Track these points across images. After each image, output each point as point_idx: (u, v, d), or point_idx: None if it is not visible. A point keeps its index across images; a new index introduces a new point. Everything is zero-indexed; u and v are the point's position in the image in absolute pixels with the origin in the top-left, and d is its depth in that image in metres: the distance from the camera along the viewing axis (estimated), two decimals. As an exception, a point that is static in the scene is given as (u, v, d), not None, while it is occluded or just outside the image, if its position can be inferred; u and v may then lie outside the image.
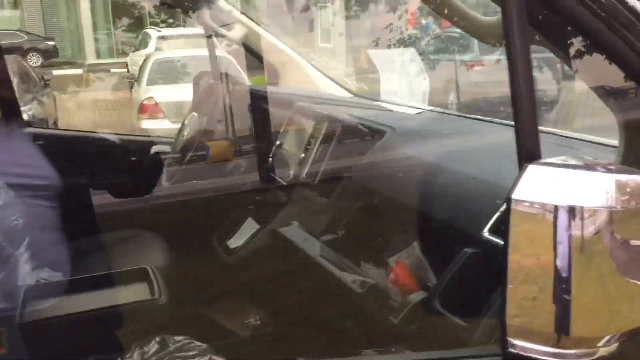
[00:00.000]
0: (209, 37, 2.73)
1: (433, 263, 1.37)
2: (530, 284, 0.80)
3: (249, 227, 1.89)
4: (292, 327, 1.40)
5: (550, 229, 0.79)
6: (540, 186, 0.80)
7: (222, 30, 2.73)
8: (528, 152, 0.90)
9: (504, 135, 1.92)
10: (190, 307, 1.70)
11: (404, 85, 2.69)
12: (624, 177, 0.82)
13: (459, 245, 1.26)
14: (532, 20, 0.99)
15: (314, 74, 2.94)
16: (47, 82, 9.73)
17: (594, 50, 1.00)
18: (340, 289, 1.38)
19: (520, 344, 0.81)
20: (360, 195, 1.62)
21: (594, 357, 0.80)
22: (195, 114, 2.37)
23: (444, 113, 2.52)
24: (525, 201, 0.80)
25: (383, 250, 1.47)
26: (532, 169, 0.82)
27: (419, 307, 1.21)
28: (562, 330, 0.81)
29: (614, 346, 0.81)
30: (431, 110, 2.50)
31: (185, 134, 2.29)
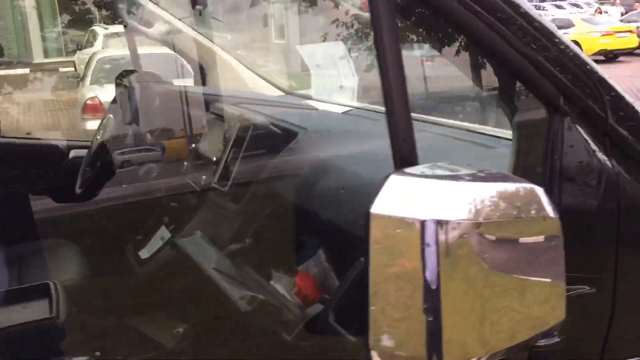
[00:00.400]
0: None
1: (339, 272, 1.31)
2: (396, 305, 0.74)
3: (160, 236, 1.80)
4: (176, 347, 1.32)
5: (414, 245, 0.73)
6: (402, 198, 0.74)
7: (144, 29, 2.63)
8: (402, 158, 0.84)
9: (426, 135, 1.88)
10: (94, 323, 1.60)
11: (333, 82, 2.62)
12: (488, 186, 0.77)
13: (360, 254, 1.20)
14: (410, 18, 0.93)
15: (245, 72, 2.86)
16: (-16, 84, 9.40)
17: (476, 48, 0.95)
18: (227, 307, 1.30)
19: (387, 370, 0.75)
20: (268, 202, 1.55)
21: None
22: (111, 116, 2.26)
23: (375, 111, 2.47)
24: (385, 215, 0.73)
25: (290, 260, 1.40)
26: (393, 179, 0.76)
27: (313, 322, 1.14)
28: (434, 351, 0.75)
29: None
30: (360, 108, 2.44)
31: (98, 137, 2.18)
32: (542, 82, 0.94)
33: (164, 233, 1.81)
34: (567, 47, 0.95)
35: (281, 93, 2.81)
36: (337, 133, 1.75)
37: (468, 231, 0.73)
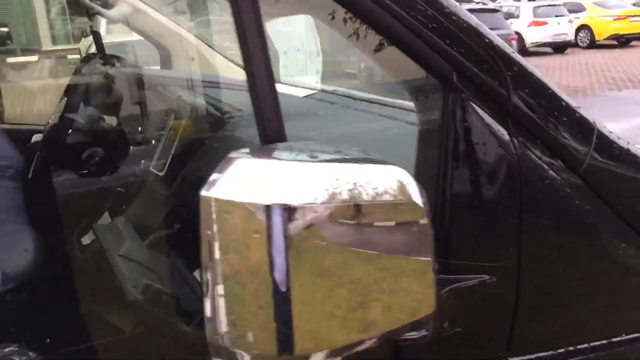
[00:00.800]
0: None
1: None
2: (236, 299, 0.68)
3: (102, 222, 1.76)
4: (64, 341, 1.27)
5: (254, 232, 0.67)
6: (241, 181, 0.68)
7: (102, 10, 2.57)
8: (267, 138, 0.78)
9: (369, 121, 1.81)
10: (26, 311, 1.56)
11: (297, 63, 2.55)
12: (344, 168, 0.71)
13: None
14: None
15: (211, 55, 2.80)
16: (-15, 70, 9.51)
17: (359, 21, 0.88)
18: (123, 296, 1.25)
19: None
20: (197, 187, 1.49)
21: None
22: (66, 99, 2.21)
23: (340, 95, 2.39)
24: (220, 200, 0.67)
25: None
26: (231, 160, 0.70)
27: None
28: (284, 346, 0.70)
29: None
30: (324, 91, 2.37)
31: (50, 121, 2.14)
32: (432, 57, 0.87)
33: (105, 219, 1.77)
34: (460, 18, 0.88)
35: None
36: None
37: (318, 216, 0.68)
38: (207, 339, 0.69)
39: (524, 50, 18.19)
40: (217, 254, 0.68)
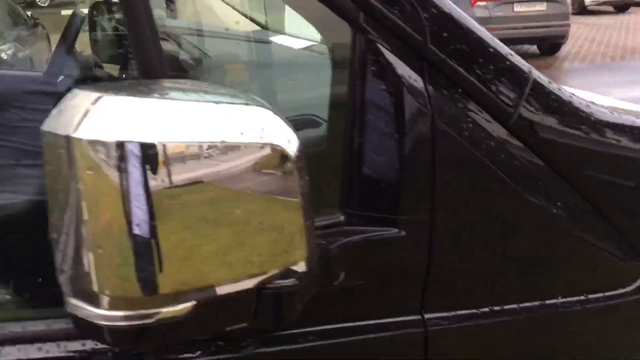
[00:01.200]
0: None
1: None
2: (85, 239, 0.66)
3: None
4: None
5: (105, 168, 0.65)
6: (93, 117, 0.65)
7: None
8: (145, 72, 0.76)
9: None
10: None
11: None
12: (202, 107, 0.68)
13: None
14: None
15: (219, 6, 2.79)
16: (37, 21, 9.71)
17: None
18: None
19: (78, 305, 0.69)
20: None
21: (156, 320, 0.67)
22: (59, 46, 2.24)
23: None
24: (61, 135, 0.65)
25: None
26: (77, 94, 0.67)
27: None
28: (147, 287, 0.69)
29: (186, 305, 0.68)
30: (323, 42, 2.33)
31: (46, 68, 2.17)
32: (336, -5, 0.82)
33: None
34: (366, -47, 0.82)
35: (257, 28, 2.73)
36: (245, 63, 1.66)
37: (177, 156, 0.65)
38: (60, 281, 0.68)
39: (583, 8, 17.37)
40: (60, 191, 0.67)
